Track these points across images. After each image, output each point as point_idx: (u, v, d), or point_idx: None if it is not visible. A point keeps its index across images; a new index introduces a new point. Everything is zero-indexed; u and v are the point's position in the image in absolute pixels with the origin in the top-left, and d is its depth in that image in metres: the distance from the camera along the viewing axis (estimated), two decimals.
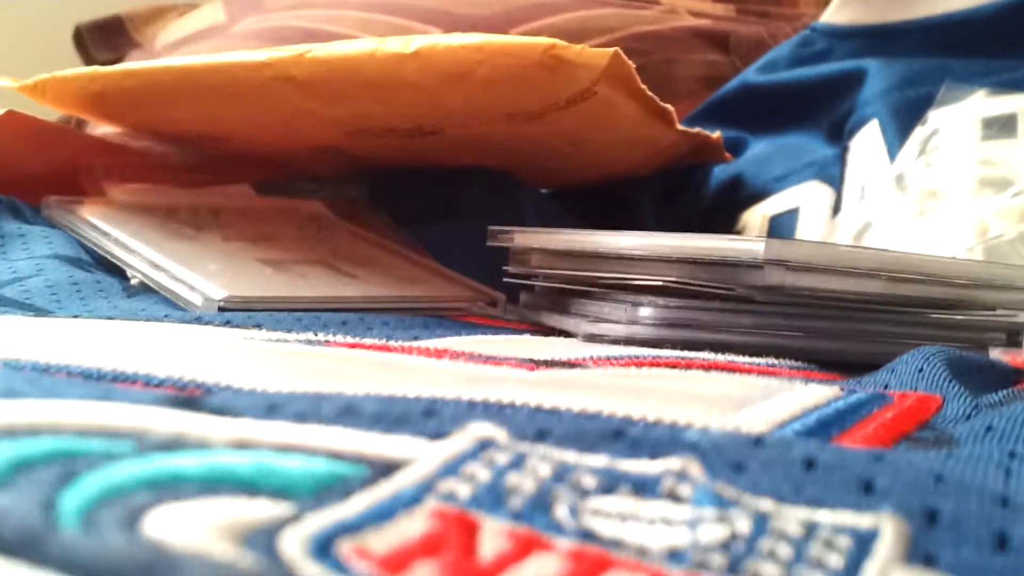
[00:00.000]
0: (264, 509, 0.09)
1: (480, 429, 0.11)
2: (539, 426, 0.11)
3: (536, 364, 0.19)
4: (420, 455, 0.10)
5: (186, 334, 0.20)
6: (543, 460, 0.11)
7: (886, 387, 0.19)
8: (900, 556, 0.10)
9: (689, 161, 0.39)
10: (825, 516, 0.10)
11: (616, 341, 0.23)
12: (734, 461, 0.11)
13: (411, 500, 0.09)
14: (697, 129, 0.36)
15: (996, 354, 0.25)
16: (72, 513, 0.09)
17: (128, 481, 0.09)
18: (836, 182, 0.36)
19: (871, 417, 0.16)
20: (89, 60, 0.61)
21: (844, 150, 0.36)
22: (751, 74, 0.43)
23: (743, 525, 0.10)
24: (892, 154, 0.34)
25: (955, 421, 0.16)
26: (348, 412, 0.11)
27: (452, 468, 0.10)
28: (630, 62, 0.28)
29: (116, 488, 0.09)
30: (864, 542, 0.10)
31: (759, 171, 0.39)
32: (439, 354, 0.19)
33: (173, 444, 0.10)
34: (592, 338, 0.24)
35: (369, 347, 0.20)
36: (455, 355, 0.19)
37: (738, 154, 0.41)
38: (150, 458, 0.10)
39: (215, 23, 0.55)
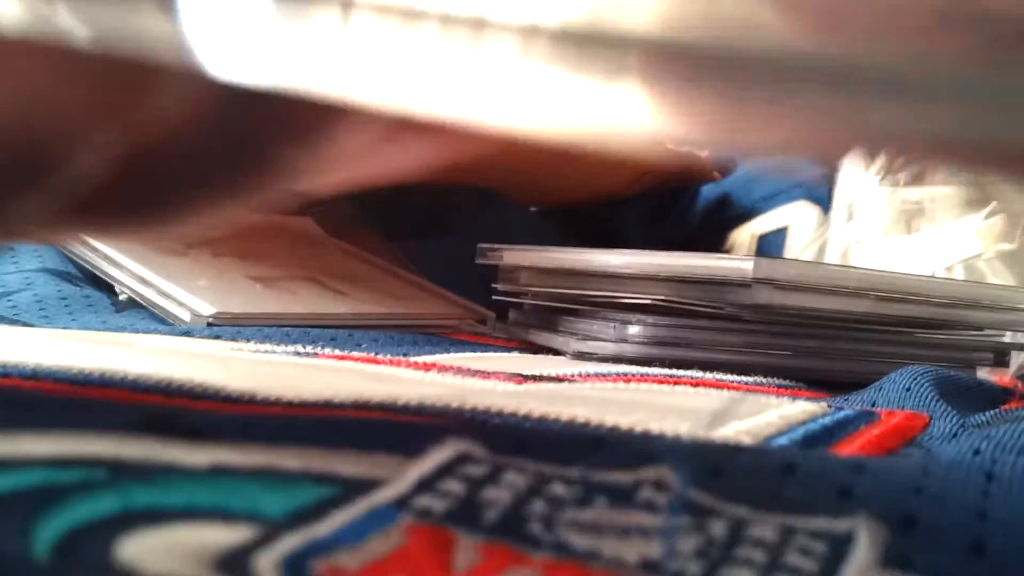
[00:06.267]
0: (238, 532, 0.09)
1: (456, 444, 0.11)
2: (517, 438, 0.11)
3: (524, 379, 0.19)
4: (396, 472, 0.10)
5: (173, 343, 0.20)
6: (519, 473, 0.10)
7: (873, 405, 0.19)
8: (876, 560, 0.09)
9: (679, 180, 0.39)
10: (801, 522, 0.10)
11: (605, 359, 0.23)
12: (711, 468, 0.11)
13: (385, 518, 0.09)
14: (686, 149, 0.36)
15: (983, 374, 0.25)
16: (46, 543, 0.08)
17: (102, 510, 0.09)
18: (824, 202, 0.36)
19: (858, 433, 0.16)
20: None
21: (832, 170, 0.37)
22: None
23: (719, 532, 0.10)
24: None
25: (941, 440, 0.16)
26: (324, 430, 0.11)
27: (427, 484, 0.10)
28: None
29: (90, 517, 0.09)
30: (840, 546, 0.10)
31: (748, 190, 0.39)
32: (427, 367, 0.19)
33: (148, 471, 0.10)
34: (581, 356, 0.24)
35: (357, 359, 0.20)
36: (443, 368, 0.19)
37: (726, 173, 0.41)
38: (125, 486, 0.10)
39: None
